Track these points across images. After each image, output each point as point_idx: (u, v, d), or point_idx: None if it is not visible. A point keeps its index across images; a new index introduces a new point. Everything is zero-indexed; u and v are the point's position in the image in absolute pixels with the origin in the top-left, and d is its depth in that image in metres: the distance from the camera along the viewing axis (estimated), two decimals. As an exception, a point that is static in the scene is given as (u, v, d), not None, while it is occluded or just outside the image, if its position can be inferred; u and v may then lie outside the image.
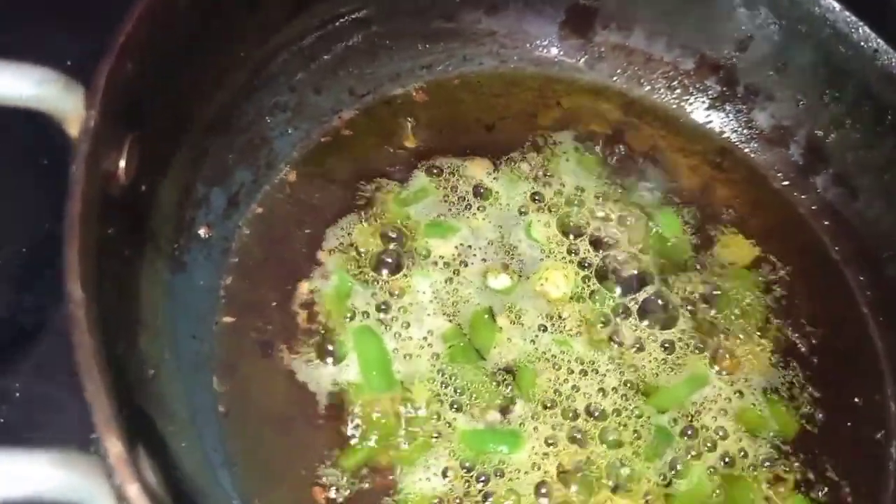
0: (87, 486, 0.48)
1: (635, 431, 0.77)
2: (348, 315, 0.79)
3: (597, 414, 0.77)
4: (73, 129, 0.56)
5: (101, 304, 0.52)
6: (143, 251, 0.68)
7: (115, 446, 0.47)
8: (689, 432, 0.78)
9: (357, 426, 0.74)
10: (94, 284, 0.53)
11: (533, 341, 0.80)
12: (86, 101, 0.56)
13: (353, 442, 0.73)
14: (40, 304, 0.85)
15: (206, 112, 0.75)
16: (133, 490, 0.47)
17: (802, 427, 0.80)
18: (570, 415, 0.77)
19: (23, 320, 0.85)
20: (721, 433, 0.78)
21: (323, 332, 0.78)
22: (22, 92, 0.54)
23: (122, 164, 0.62)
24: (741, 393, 0.81)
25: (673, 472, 0.76)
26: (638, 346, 0.81)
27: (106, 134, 0.58)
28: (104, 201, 0.58)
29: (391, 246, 0.83)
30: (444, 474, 0.72)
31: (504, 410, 0.76)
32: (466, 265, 0.83)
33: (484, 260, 0.84)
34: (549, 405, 0.77)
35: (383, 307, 0.79)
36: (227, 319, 0.76)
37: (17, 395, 0.80)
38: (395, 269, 0.82)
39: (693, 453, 0.77)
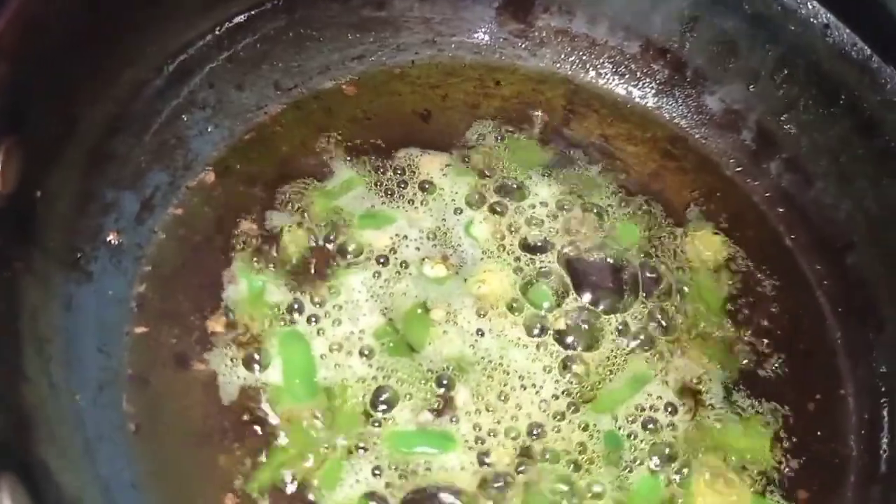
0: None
1: (580, 443, 0.73)
2: (272, 319, 0.75)
3: (537, 431, 0.73)
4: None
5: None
6: (36, 262, 0.64)
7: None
8: (636, 435, 0.74)
9: (277, 437, 0.70)
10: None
11: (472, 346, 0.76)
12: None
13: (270, 455, 0.69)
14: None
15: (105, 112, 0.71)
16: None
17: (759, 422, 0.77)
18: (510, 420, 0.73)
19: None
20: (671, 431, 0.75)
21: (245, 339, 0.74)
22: None
23: (-1, 169, 0.58)
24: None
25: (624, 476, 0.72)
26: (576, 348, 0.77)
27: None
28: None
29: (319, 242, 0.79)
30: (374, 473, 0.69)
31: (438, 412, 0.72)
32: (400, 257, 0.79)
33: (418, 249, 0.80)
34: (485, 410, 0.73)
35: (317, 305, 0.75)
36: (140, 330, 0.72)
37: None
38: (325, 265, 0.77)
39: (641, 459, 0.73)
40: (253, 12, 0.82)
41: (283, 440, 0.70)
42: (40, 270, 0.65)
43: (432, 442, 0.72)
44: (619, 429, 0.74)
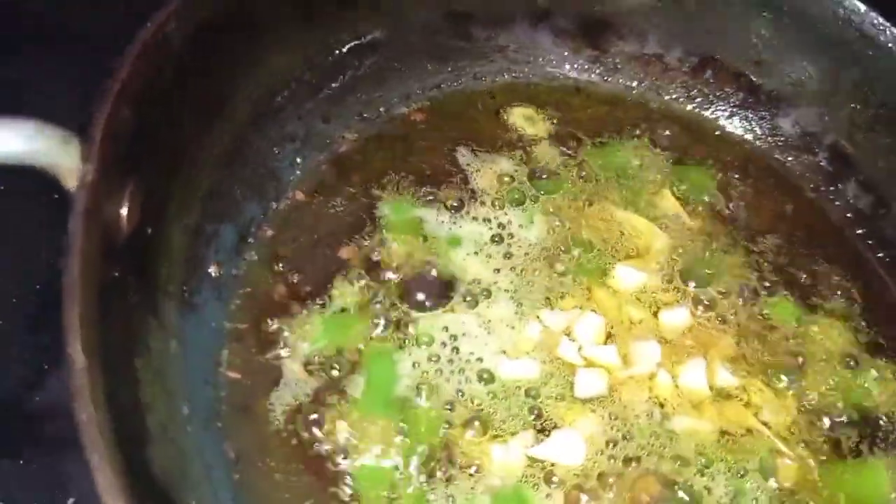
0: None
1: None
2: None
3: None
4: (70, 182, 0.55)
5: (105, 365, 0.51)
6: (151, 296, 0.67)
7: (123, 518, 0.46)
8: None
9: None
10: (98, 346, 0.51)
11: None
12: (83, 155, 0.54)
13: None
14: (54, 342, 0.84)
15: (212, 149, 0.73)
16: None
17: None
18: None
19: (38, 360, 0.84)
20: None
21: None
22: (14, 148, 0.52)
23: (124, 212, 0.60)
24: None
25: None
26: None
27: (105, 185, 0.56)
28: (106, 252, 0.56)
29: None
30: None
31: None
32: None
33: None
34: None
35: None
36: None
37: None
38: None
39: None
40: (343, 50, 0.84)
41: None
42: (152, 304, 0.67)
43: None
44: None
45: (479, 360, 0.76)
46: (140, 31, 0.61)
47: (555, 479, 0.72)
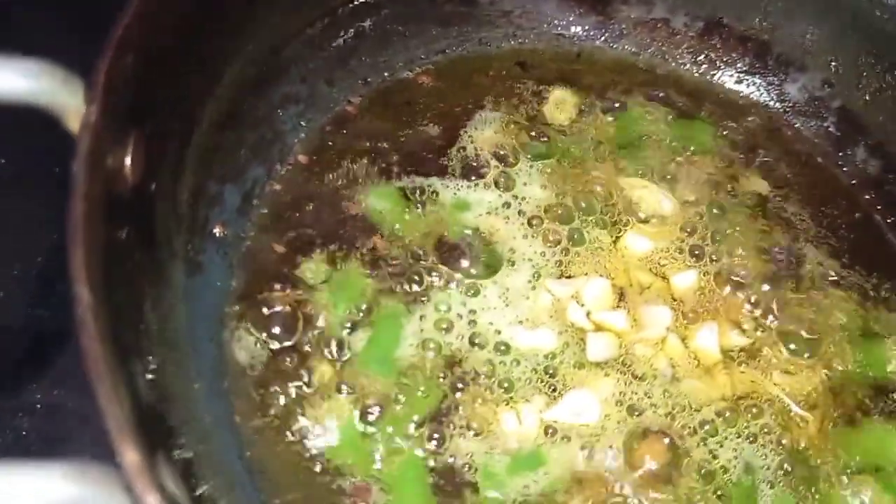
0: (103, 498, 0.45)
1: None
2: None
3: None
4: (74, 125, 0.54)
5: (112, 308, 0.50)
6: (156, 253, 0.65)
7: (131, 454, 0.45)
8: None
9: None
10: (104, 287, 0.50)
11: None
12: (86, 96, 0.53)
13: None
14: (58, 314, 0.83)
15: (215, 107, 0.72)
16: (152, 501, 0.45)
17: None
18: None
19: (42, 331, 0.83)
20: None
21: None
22: (18, 86, 0.51)
23: (128, 161, 0.59)
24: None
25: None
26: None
27: (108, 129, 0.55)
28: (111, 201, 0.55)
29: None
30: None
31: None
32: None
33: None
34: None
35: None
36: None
37: (39, 406, 0.79)
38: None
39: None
40: (345, 9, 0.83)
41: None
42: (157, 262, 0.66)
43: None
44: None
45: (492, 326, 0.75)
46: (144, -22, 0.60)
47: (569, 437, 0.71)
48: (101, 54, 0.56)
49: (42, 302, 0.85)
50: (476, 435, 0.70)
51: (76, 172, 0.51)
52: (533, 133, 0.87)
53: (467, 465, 0.69)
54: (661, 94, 0.92)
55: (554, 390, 0.73)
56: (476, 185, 0.82)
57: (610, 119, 0.89)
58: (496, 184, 0.83)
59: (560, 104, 0.89)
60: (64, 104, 0.53)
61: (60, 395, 0.80)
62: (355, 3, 0.84)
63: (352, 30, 0.85)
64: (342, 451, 0.69)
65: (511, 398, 0.72)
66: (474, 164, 0.84)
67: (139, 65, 0.59)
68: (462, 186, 0.82)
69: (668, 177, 0.86)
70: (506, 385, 0.73)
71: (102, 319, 0.47)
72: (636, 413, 0.73)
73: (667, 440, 0.72)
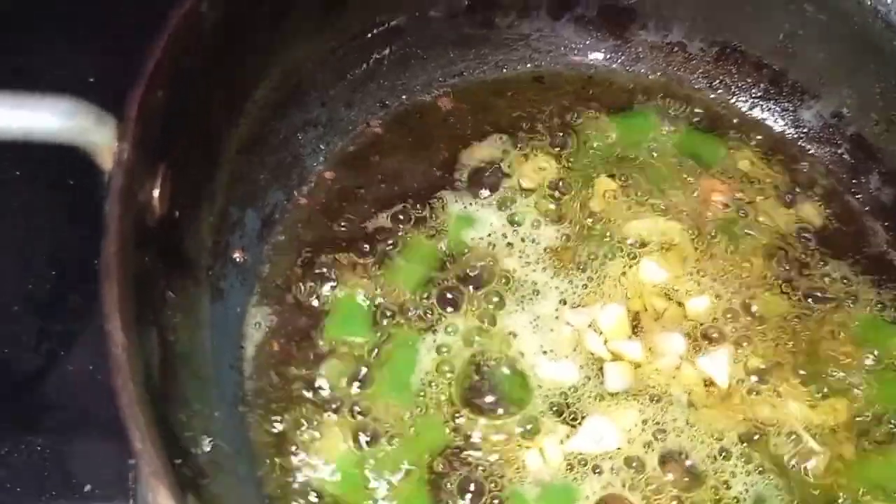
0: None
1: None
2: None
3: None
4: (105, 162, 0.54)
5: (143, 345, 0.50)
6: (181, 280, 0.66)
7: (166, 499, 0.45)
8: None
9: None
10: (135, 324, 0.50)
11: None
12: (118, 134, 0.54)
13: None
14: (68, 329, 0.84)
15: (238, 133, 0.73)
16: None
17: None
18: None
19: (51, 346, 0.84)
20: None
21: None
22: (49, 125, 0.51)
23: (156, 193, 0.59)
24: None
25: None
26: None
27: (140, 165, 0.55)
28: (140, 234, 0.56)
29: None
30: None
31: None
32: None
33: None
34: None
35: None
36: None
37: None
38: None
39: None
40: (368, 35, 0.84)
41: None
42: (180, 288, 0.66)
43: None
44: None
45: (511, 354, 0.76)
46: (173, 10, 0.60)
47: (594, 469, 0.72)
48: (132, 89, 0.56)
49: (55, 316, 0.85)
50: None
51: (109, 211, 0.52)
52: (548, 156, 0.87)
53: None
54: (675, 117, 0.92)
55: (574, 419, 0.73)
56: (485, 204, 0.83)
57: (621, 141, 0.90)
58: (506, 206, 0.84)
59: (576, 129, 0.90)
60: (95, 142, 0.53)
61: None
62: (378, 29, 0.84)
63: (373, 57, 0.85)
64: (353, 485, 0.70)
65: (530, 430, 0.73)
66: (489, 185, 0.84)
67: (168, 99, 0.59)
68: (471, 205, 0.83)
69: (681, 201, 0.86)
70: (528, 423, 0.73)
71: (135, 361, 0.48)
72: (653, 442, 0.73)
73: (682, 470, 0.73)
